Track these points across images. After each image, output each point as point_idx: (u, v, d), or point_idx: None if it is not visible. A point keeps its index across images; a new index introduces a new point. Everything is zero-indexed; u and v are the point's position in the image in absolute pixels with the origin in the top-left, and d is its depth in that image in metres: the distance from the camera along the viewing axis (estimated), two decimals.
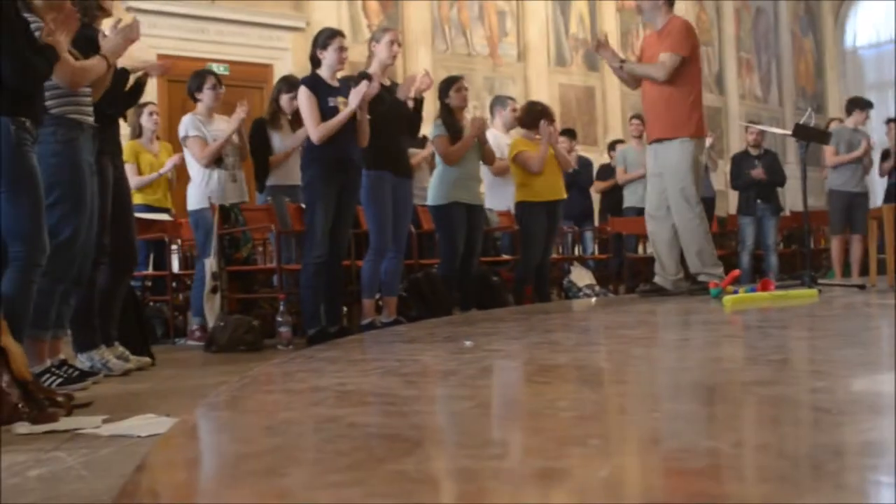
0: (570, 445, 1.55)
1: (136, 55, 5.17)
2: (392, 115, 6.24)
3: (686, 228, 6.48)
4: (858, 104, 10.50)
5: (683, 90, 6.49)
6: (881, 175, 10.53)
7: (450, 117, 7.06)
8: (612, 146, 11.61)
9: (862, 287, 6.53)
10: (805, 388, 2.09)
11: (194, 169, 6.74)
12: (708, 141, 8.60)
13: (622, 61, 6.69)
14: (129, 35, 4.51)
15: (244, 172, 7.07)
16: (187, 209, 6.85)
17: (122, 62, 4.73)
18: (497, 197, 8.35)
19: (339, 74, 6.15)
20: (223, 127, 6.72)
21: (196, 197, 6.71)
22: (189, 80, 6.85)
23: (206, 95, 6.76)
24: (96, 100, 4.46)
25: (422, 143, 8.02)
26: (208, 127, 6.71)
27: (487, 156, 7.38)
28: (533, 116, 7.73)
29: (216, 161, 6.68)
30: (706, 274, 6.41)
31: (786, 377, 2.32)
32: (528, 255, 7.58)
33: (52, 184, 4.06)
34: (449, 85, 7.19)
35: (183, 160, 7.03)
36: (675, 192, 6.46)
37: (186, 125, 6.70)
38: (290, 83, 7.31)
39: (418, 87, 6.42)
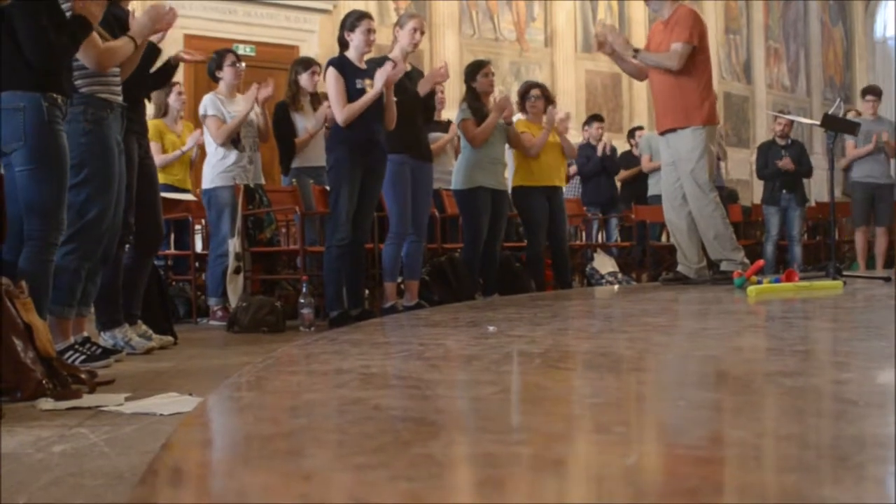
0: (593, 432, 1.55)
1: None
2: (412, 99, 6.24)
3: (702, 215, 6.49)
4: (864, 92, 10.44)
5: (693, 78, 6.49)
6: None
7: (475, 101, 7.06)
8: (631, 133, 11.58)
9: (887, 279, 6.50)
10: (828, 379, 2.08)
11: (210, 148, 6.77)
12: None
13: (636, 50, 6.64)
14: (165, 20, 4.52)
15: (268, 154, 7.09)
16: (202, 187, 6.87)
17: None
18: None
19: (366, 57, 6.15)
20: (241, 108, 6.73)
21: (210, 176, 6.74)
22: (209, 61, 6.85)
23: (226, 73, 6.79)
24: (128, 75, 4.48)
25: (446, 127, 8.02)
26: (228, 107, 6.72)
27: (513, 138, 7.37)
28: (520, 100, 7.76)
29: (233, 142, 6.70)
30: (728, 260, 6.41)
31: (809, 368, 2.31)
32: (533, 237, 7.55)
33: (82, 162, 4.08)
34: (475, 69, 7.19)
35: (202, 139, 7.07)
36: (688, 180, 6.47)
37: (206, 104, 6.73)
38: (305, 63, 7.34)
39: (435, 80, 6.42)
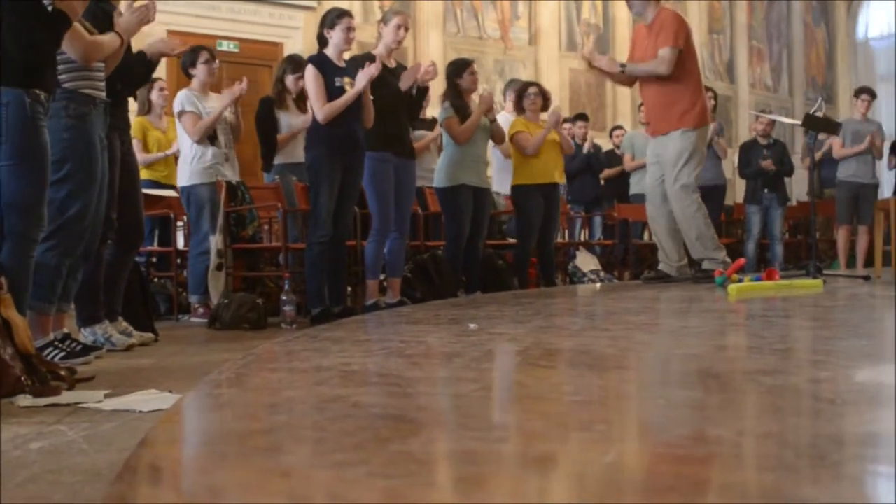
0: (574, 430, 1.55)
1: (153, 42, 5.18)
2: (395, 96, 6.23)
3: (684, 216, 6.48)
4: (858, 92, 10.49)
5: (682, 82, 6.48)
6: (890, 168, 10.49)
7: (459, 99, 7.06)
8: (610, 133, 11.62)
9: (867, 278, 6.53)
10: (807, 377, 2.09)
11: (186, 145, 6.73)
12: (712, 127, 8.55)
13: (623, 65, 6.64)
14: (145, 16, 4.51)
15: (250, 151, 7.06)
16: (178, 185, 6.84)
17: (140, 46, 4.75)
18: (504, 180, 8.36)
19: (347, 55, 6.14)
20: (217, 105, 6.71)
21: (188, 173, 6.70)
22: (183, 56, 6.80)
23: (199, 70, 6.75)
24: (112, 69, 4.46)
25: (430, 125, 8.01)
26: (203, 103, 6.69)
27: (497, 134, 7.38)
28: (519, 98, 7.78)
29: (210, 138, 6.67)
30: (709, 259, 6.41)
31: (789, 367, 2.32)
32: (525, 238, 7.59)
33: (64, 158, 4.05)
34: (458, 67, 7.19)
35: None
36: (671, 182, 6.47)
37: (182, 100, 6.69)
38: (294, 63, 7.31)
39: (423, 78, 6.40)
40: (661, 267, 6.68)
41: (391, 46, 6.31)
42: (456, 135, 6.98)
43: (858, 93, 10.49)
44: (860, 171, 9.89)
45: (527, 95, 7.73)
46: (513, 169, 7.67)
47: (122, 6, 4.57)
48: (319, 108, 5.86)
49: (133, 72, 4.82)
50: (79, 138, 4.15)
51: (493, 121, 7.31)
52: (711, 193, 9.01)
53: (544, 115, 7.77)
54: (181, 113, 6.68)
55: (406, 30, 6.41)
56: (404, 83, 6.31)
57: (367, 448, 1.37)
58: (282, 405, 1.84)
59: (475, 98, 7.23)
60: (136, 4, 4.52)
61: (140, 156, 7.02)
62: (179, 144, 6.92)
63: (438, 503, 1.11)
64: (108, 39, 4.26)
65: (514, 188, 7.64)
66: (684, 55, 6.46)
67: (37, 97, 3.72)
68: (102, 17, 4.38)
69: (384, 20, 6.38)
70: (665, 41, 6.41)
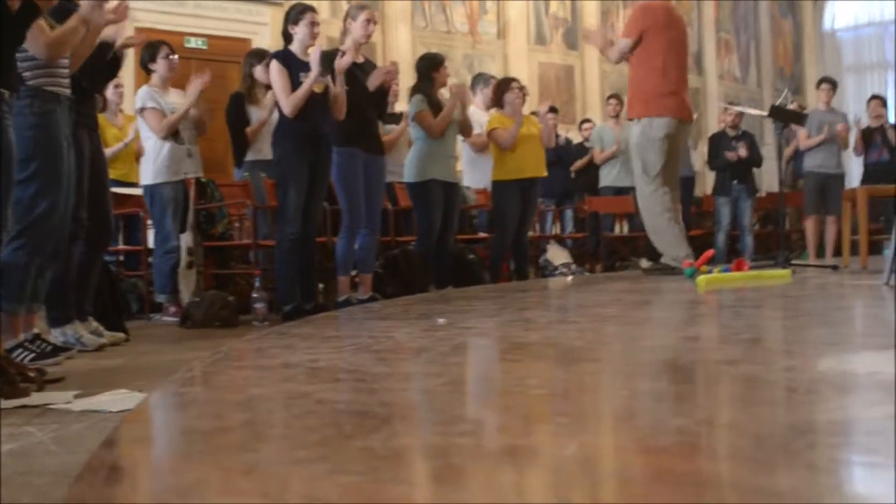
0: (538, 423, 1.56)
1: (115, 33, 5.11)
2: (364, 91, 6.22)
3: (644, 207, 6.55)
4: (819, 82, 10.55)
5: (646, 70, 6.51)
6: (857, 155, 10.55)
7: (430, 89, 7.05)
8: (579, 126, 11.67)
9: (835, 268, 6.58)
10: (772, 367, 2.10)
11: (149, 142, 6.67)
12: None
13: (612, 43, 6.81)
14: (117, 15, 4.48)
15: (220, 148, 7.02)
16: (141, 183, 6.79)
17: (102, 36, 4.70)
18: (474, 174, 8.37)
19: (311, 50, 6.12)
20: (178, 100, 6.65)
21: (150, 171, 6.64)
22: (141, 52, 6.73)
23: (160, 66, 6.66)
24: (74, 70, 4.42)
25: (398, 119, 7.99)
26: (164, 98, 6.64)
27: (465, 127, 7.37)
28: (497, 94, 7.77)
29: (172, 135, 6.61)
30: (669, 256, 6.43)
31: (756, 356, 2.33)
32: (502, 233, 7.60)
33: (29, 157, 4.01)
34: (428, 62, 7.19)
35: (138, 133, 6.98)
36: (637, 171, 6.55)
37: (143, 97, 6.60)
38: (259, 55, 7.28)
39: (387, 79, 6.38)
40: (663, 259, 6.59)
41: (360, 41, 6.29)
42: (429, 127, 6.96)
43: (819, 83, 10.55)
44: (826, 161, 9.93)
45: (511, 90, 7.73)
46: (493, 164, 7.67)
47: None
48: (285, 102, 5.84)
49: (98, 67, 4.78)
50: (44, 136, 4.11)
51: (465, 111, 7.28)
52: (681, 185, 9.03)
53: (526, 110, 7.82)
54: (142, 109, 6.61)
55: (374, 24, 6.40)
56: (371, 83, 6.29)
57: (329, 444, 1.37)
58: (248, 403, 1.85)
59: (444, 92, 7.23)
60: (109, 5, 4.48)
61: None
62: (141, 142, 6.85)
63: (400, 498, 1.12)
64: (70, 28, 4.19)
65: (494, 184, 7.64)
66: (649, 46, 6.48)
67: (0, 96, 3.69)
68: (66, 15, 4.33)
69: (351, 15, 6.36)
70: (622, 33, 6.71)
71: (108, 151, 7.18)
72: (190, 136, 6.74)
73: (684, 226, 6.71)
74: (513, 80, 8.02)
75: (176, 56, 6.80)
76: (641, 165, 6.46)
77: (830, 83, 10.34)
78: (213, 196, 6.82)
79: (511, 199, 7.49)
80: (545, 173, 7.88)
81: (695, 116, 9.38)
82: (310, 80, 5.79)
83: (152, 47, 6.69)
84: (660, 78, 6.48)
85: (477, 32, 13.77)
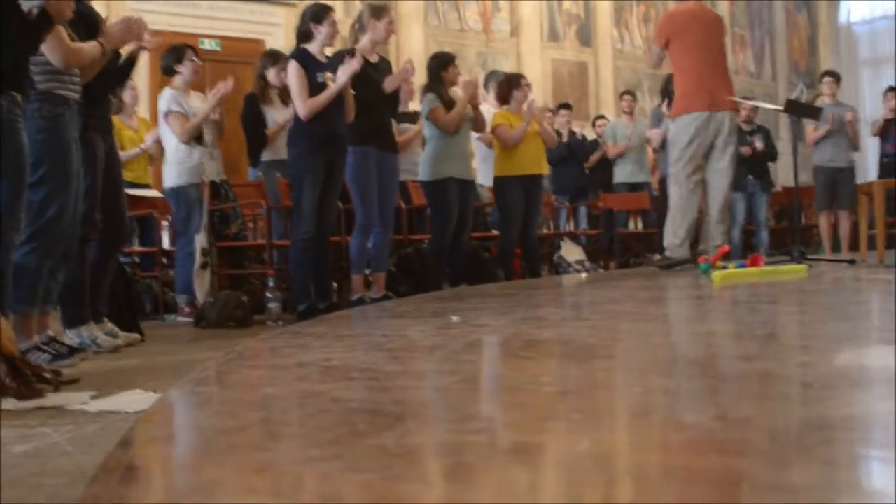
0: (551, 420, 1.55)
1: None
2: (378, 90, 6.22)
3: (672, 201, 6.85)
4: (823, 76, 10.53)
5: (676, 74, 7.00)
6: (874, 134, 10.51)
7: (441, 88, 7.05)
8: (593, 122, 11.66)
9: (852, 262, 6.55)
10: (790, 362, 2.09)
11: (172, 145, 6.68)
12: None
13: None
14: (134, 32, 4.51)
15: (235, 148, 7.04)
16: (164, 186, 6.80)
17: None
18: (488, 172, 8.36)
19: (331, 51, 6.12)
20: (198, 104, 6.67)
21: (175, 173, 6.66)
22: (164, 56, 6.76)
23: (186, 68, 6.68)
24: (90, 78, 4.44)
25: (414, 118, 8.00)
26: (187, 102, 6.65)
27: (478, 122, 7.36)
28: (505, 90, 7.76)
29: (196, 138, 6.63)
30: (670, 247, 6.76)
31: (771, 352, 2.32)
32: (507, 230, 7.60)
33: (40, 160, 4.03)
34: (439, 61, 7.19)
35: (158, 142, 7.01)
36: (670, 166, 6.91)
37: (168, 100, 6.62)
38: (273, 56, 7.29)
39: (403, 77, 6.39)
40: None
41: (379, 42, 6.30)
42: (443, 124, 6.96)
43: (822, 76, 10.54)
44: (835, 155, 9.91)
45: (520, 87, 7.72)
46: (494, 160, 7.68)
47: (112, 23, 4.55)
48: (301, 105, 5.84)
49: (110, 71, 4.79)
50: (54, 139, 4.13)
51: (476, 108, 7.28)
52: None
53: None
54: (168, 113, 6.63)
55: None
56: (389, 86, 6.28)
57: (343, 443, 1.37)
58: (261, 402, 1.85)
59: (456, 90, 7.22)
60: (125, 17, 4.51)
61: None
62: (164, 145, 6.87)
63: (413, 496, 1.11)
64: (89, 48, 4.24)
65: (495, 180, 7.66)
66: (675, 52, 6.85)
67: (13, 100, 3.71)
68: (78, 20, 4.34)
69: (374, 15, 6.27)
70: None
71: (123, 155, 7.25)
72: (212, 138, 6.76)
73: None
74: (521, 76, 8.01)
75: (200, 60, 6.82)
76: (672, 164, 6.86)
77: (833, 76, 10.33)
78: (228, 196, 6.83)
79: (513, 193, 7.49)
80: (546, 171, 7.94)
81: (741, 105, 9.33)
82: (332, 90, 5.79)
83: (178, 51, 6.72)
84: (684, 78, 6.87)
85: (490, 30, 13.77)
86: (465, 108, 7.05)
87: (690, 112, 6.73)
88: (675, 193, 6.77)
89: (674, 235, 6.71)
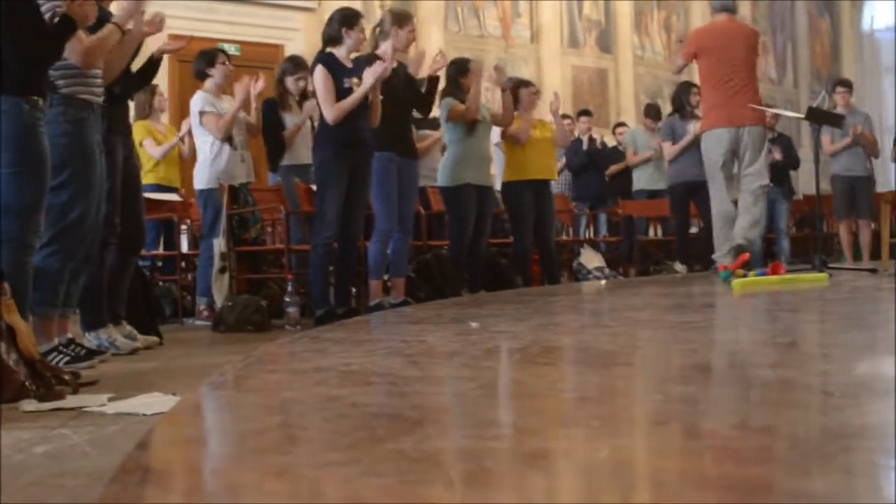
0: (569, 427, 1.55)
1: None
2: (399, 96, 6.22)
3: (712, 210, 7.12)
4: (835, 85, 10.47)
5: (702, 88, 7.20)
6: (893, 160, 10.46)
7: (460, 94, 7.04)
8: (613, 129, 11.63)
9: (873, 271, 6.51)
10: (810, 371, 2.08)
11: (206, 147, 6.71)
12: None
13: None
14: (153, 27, 4.53)
15: (254, 152, 7.06)
16: (195, 188, 6.83)
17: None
18: None
19: (354, 55, 6.13)
20: (229, 107, 6.70)
21: (205, 176, 6.69)
22: (196, 60, 6.81)
23: (217, 71, 6.71)
24: (112, 78, 4.46)
25: (434, 124, 7.99)
26: (219, 104, 6.69)
27: (506, 115, 7.33)
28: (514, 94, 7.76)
29: (227, 138, 6.66)
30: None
31: (792, 360, 2.31)
32: (520, 234, 7.58)
33: (63, 163, 4.05)
34: (458, 66, 7.18)
35: (192, 136, 7.04)
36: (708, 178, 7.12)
37: (200, 102, 6.65)
38: (294, 63, 7.31)
39: (433, 67, 6.42)
40: None
41: (400, 49, 6.31)
42: (463, 112, 6.91)
43: (834, 86, 10.47)
44: (853, 164, 9.86)
45: (528, 89, 7.73)
46: (504, 166, 7.68)
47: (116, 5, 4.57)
48: (328, 109, 5.82)
49: (130, 74, 4.82)
50: (77, 143, 4.15)
51: (505, 91, 7.30)
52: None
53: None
54: (202, 113, 6.65)
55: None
56: (413, 68, 6.34)
57: (362, 447, 1.37)
58: (280, 406, 1.85)
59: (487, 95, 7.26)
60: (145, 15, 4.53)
61: (157, 150, 7.40)
62: (197, 147, 6.89)
63: (432, 500, 1.11)
64: (106, 35, 4.24)
65: (504, 185, 7.65)
66: (701, 67, 7.05)
67: (35, 104, 3.73)
68: (102, 25, 4.36)
69: (396, 22, 6.27)
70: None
71: (158, 151, 7.33)
72: (242, 139, 6.79)
73: None
74: (529, 82, 8.04)
75: (230, 64, 6.86)
76: (708, 177, 7.09)
77: (846, 86, 10.29)
78: (246, 201, 6.85)
79: (524, 199, 7.49)
80: (556, 177, 7.97)
81: (769, 118, 9.26)
82: (359, 94, 5.79)
83: (209, 55, 6.78)
84: (709, 93, 7.05)
85: (510, 36, 13.77)
86: (480, 114, 7.01)
87: (717, 128, 6.84)
88: (713, 204, 7.03)
89: (719, 248, 6.90)
